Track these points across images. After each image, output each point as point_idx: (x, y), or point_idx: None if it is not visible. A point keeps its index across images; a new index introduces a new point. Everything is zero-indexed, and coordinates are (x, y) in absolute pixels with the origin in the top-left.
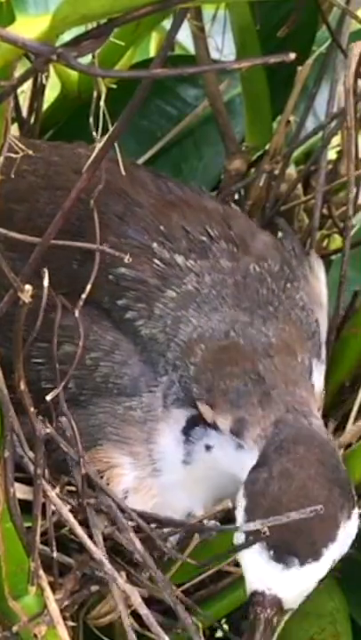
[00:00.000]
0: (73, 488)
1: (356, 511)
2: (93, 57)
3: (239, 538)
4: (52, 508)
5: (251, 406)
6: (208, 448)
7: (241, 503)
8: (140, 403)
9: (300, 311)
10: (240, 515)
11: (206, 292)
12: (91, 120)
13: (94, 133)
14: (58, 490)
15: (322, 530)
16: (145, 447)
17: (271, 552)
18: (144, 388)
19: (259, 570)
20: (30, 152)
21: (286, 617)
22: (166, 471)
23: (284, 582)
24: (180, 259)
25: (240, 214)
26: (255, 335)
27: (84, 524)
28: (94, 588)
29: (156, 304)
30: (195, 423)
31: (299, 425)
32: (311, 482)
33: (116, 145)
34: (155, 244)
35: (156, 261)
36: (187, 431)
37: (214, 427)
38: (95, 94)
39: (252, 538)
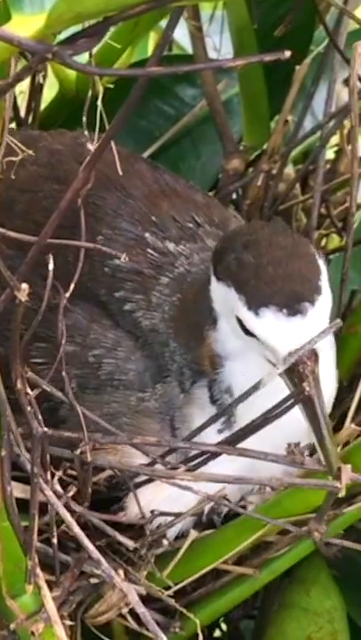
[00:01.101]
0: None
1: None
2: (91, 56)
3: (248, 318)
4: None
5: None
6: (230, 391)
7: (230, 295)
8: (154, 394)
9: None
10: (237, 304)
11: (195, 269)
12: (91, 119)
13: (87, 132)
14: (56, 481)
15: (308, 266)
16: (169, 437)
17: (285, 310)
18: (151, 381)
19: (283, 332)
20: (30, 152)
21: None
22: None
23: (309, 329)
24: (171, 246)
25: (218, 204)
26: None
27: (82, 522)
28: (92, 585)
29: (153, 293)
30: (212, 386)
31: None
32: (273, 236)
33: (112, 142)
34: (147, 235)
35: (150, 251)
36: (213, 399)
37: (217, 367)
38: (90, 93)
39: (259, 306)
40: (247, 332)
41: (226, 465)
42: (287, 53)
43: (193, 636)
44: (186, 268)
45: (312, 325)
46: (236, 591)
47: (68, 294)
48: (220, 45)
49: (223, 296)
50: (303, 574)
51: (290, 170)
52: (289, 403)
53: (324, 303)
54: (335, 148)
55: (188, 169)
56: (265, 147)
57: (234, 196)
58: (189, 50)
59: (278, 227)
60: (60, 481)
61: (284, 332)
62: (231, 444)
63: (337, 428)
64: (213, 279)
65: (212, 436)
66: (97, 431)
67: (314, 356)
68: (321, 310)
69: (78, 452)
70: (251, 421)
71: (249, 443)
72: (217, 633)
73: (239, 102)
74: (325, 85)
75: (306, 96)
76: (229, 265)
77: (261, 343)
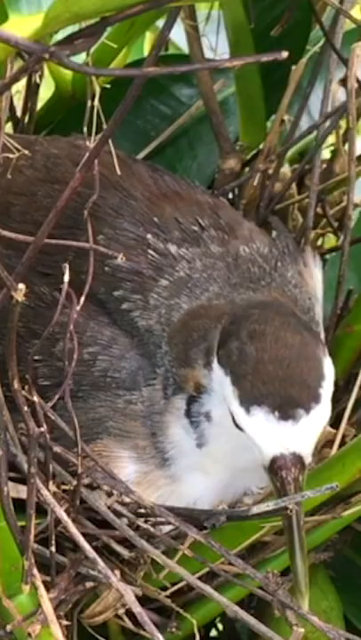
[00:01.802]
0: (67, 487)
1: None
2: (88, 56)
3: (238, 413)
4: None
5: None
6: (207, 416)
7: (225, 383)
8: (141, 397)
9: (293, 288)
10: (230, 395)
11: (197, 276)
12: (90, 118)
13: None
14: (52, 486)
15: (310, 371)
16: (150, 441)
17: (276, 413)
18: (142, 381)
19: (272, 434)
20: (26, 152)
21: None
22: (180, 460)
23: (298, 436)
24: (173, 248)
25: (227, 205)
26: (237, 296)
27: (78, 522)
28: (88, 586)
29: (151, 294)
30: (192, 402)
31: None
32: (282, 331)
33: (110, 141)
34: (149, 236)
35: (151, 252)
36: (189, 413)
37: (201, 390)
38: (87, 93)
39: (251, 403)
40: (237, 426)
41: (201, 479)
42: (285, 54)
43: (189, 636)
44: (187, 273)
45: (303, 433)
46: (232, 591)
47: (79, 306)
48: (216, 45)
49: (220, 380)
50: None
51: (286, 169)
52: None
53: (320, 412)
54: (331, 148)
55: (185, 169)
56: (261, 146)
57: (230, 195)
58: (186, 50)
59: (290, 319)
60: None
61: (273, 434)
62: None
63: (333, 427)
64: (215, 361)
65: (192, 450)
66: (84, 435)
67: (300, 463)
68: (316, 419)
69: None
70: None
71: (219, 468)
72: (213, 633)
73: (235, 102)
74: (322, 85)
75: (302, 96)
76: (231, 353)
77: (248, 438)
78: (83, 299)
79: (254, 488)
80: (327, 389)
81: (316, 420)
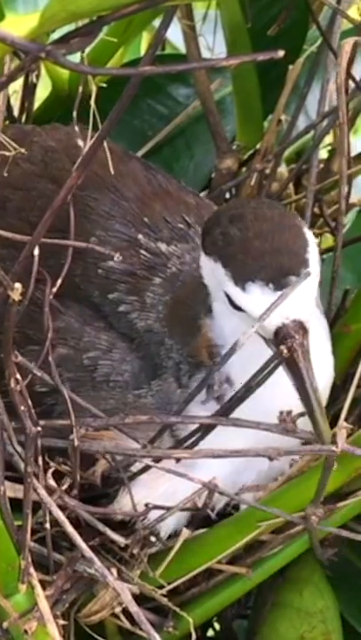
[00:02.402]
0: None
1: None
2: (83, 56)
3: (235, 293)
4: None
5: None
6: (229, 380)
7: (217, 270)
8: (150, 390)
9: None
10: (223, 279)
11: (187, 268)
12: (85, 119)
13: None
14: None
15: (294, 239)
16: (167, 433)
17: (271, 285)
18: (146, 380)
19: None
20: (22, 150)
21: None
22: (200, 445)
23: (295, 302)
24: (163, 246)
25: (211, 205)
26: None
27: (75, 521)
28: (85, 584)
29: (147, 293)
30: (210, 376)
31: None
32: (259, 209)
33: (105, 142)
34: (140, 236)
35: (143, 252)
36: (209, 391)
37: (214, 357)
38: (84, 92)
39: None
40: (235, 307)
41: (217, 463)
42: (281, 53)
43: (186, 636)
44: (178, 268)
45: (299, 298)
46: (229, 590)
47: (52, 293)
48: (213, 45)
49: (211, 271)
50: (296, 574)
51: (283, 169)
52: (273, 365)
53: (311, 275)
54: (328, 148)
55: (182, 168)
56: (258, 146)
57: (227, 195)
58: (183, 49)
59: (264, 200)
60: (53, 477)
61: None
62: (224, 414)
63: (331, 426)
64: (202, 254)
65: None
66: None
67: (301, 329)
68: (308, 283)
69: (70, 437)
70: (243, 386)
71: (241, 439)
72: (210, 632)
73: (232, 102)
74: (319, 85)
75: (299, 95)
76: (216, 239)
77: (249, 317)
78: (58, 295)
79: (266, 469)
80: (313, 254)
81: (308, 282)
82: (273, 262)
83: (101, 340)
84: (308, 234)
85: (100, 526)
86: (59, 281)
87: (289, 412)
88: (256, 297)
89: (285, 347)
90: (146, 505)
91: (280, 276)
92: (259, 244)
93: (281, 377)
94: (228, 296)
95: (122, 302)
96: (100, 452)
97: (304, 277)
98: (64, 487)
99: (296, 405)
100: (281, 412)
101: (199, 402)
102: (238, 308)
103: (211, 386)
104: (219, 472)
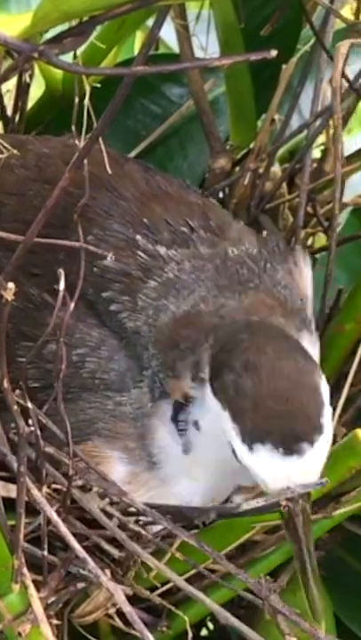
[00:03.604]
0: (58, 486)
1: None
2: (75, 55)
3: (241, 450)
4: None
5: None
6: (196, 425)
7: (223, 417)
8: (130, 398)
9: (282, 289)
10: (230, 432)
11: (185, 277)
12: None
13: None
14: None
15: (310, 401)
16: (139, 443)
17: (281, 449)
18: (131, 383)
19: (278, 471)
20: (16, 152)
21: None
22: (166, 464)
23: (304, 469)
24: (162, 250)
25: (217, 206)
26: (224, 302)
27: (69, 522)
28: (79, 585)
29: (139, 295)
30: (179, 409)
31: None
32: (276, 361)
33: (101, 141)
34: (139, 237)
35: (140, 253)
36: (175, 420)
37: (189, 400)
38: (77, 92)
39: (254, 441)
40: (238, 460)
41: (187, 485)
42: (273, 52)
43: (180, 636)
44: (175, 274)
45: (309, 466)
46: (222, 590)
47: (72, 306)
48: (207, 45)
49: (217, 414)
50: (290, 574)
51: (276, 169)
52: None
53: (324, 442)
54: (322, 147)
55: (176, 168)
56: (252, 146)
57: (221, 194)
58: (176, 49)
59: (282, 343)
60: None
61: (278, 471)
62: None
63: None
64: (209, 389)
65: (178, 455)
66: (74, 437)
67: (306, 494)
68: (320, 449)
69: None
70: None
71: (206, 473)
72: (204, 632)
73: (226, 101)
74: (312, 84)
75: (292, 95)
76: (227, 387)
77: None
78: (74, 300)
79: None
80: (327, 417)
81: (320, 450)
82: (285, 426)
83: (92, 337)
84: (325, 392)
85: (95, 538)
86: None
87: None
88: (263, 460)
89: (286, 508)
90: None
91: (291, 441)
92: (273, 404)
93: None
94: (232, 449)
95: (113, 301)
96: (91, 485)
97: (318, 446)
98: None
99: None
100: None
101: (166, 425)
102: (242, 463)
103: (176, 416)
104: (198, 487)
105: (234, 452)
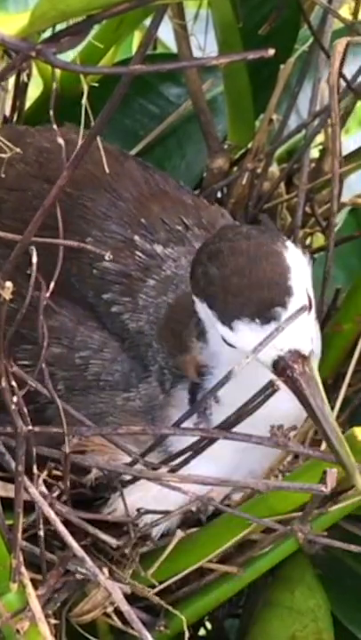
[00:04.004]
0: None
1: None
2: (75, 54)
3: (225, 333)
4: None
5: None
6: (216, 398)
7: (205, 311)
8: (138, 394)
9: None
10: (214, 322)
11: (182, 273)
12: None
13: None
14: (41, 482)
15: (273, 267)
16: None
17: (257, 320)
18: (136, 381)
19: (261, 341)
20: (18, 150)
21: (316, 361)
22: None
23: (286, 333)
24: (159, 248)
25: (208, 206)
26: None
27: (67, 520)
28: (77, 583)
29: (140, 295)
30: (195, 390)
31: None
32: (235, 242)
33: (99, 140)
34: (136, 237)
35: (138, 253)
36: (194, 401)
37: (203, 374)
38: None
39: (231, 320)
40: (230, 345)
41: (208, 466)
42: (271, 51)
43: (178, 635)
44: (173, 271)
45: (291, 328)
46: (220, 590)
47: (48, 293)
48: (205, 44)
49: (202, 309)
50: (288, 573)
51: (274, 169)
52: (266, 394)
53: (298, 302)
54: (320, 147)
55: (173, 168)
56: (250, 145)
57: (219, 194)
58: (174, 49)
59: (242, 228)
60: (45, 482)
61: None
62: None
63: None
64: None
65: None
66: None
67: (300, 357)
68: (295, 310)
69: (63, 447)
70: (238, 409)
71: (226, 451)
72: (202, 632)
73: (224, 101)
74: (310, 84)
75: (290, 95)
76: (199, 279)
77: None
78: (53, 294)
79: (259, 470)
80: (296, 278)
81: (296, 311)
82: (254, 297)
83: (94, 340)
84: (291, 257)
85: (91, 529)
86: (51, 284)
87: (280, 427)
88: (245, 334)
89: (286, 378)
90: (138, 510)
91: (265, 309)
92: (237, 280)
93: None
94: (221, 337)
95: (115, 303)
96: (92, 466)
97: (292, 308)
98: (55, 494)
99: (282, 417)
100: (272, 427)
101: (182, 411)
102: (233, 346)
103: (194, 400)
104: (210, 474)
105: (224, 339)
